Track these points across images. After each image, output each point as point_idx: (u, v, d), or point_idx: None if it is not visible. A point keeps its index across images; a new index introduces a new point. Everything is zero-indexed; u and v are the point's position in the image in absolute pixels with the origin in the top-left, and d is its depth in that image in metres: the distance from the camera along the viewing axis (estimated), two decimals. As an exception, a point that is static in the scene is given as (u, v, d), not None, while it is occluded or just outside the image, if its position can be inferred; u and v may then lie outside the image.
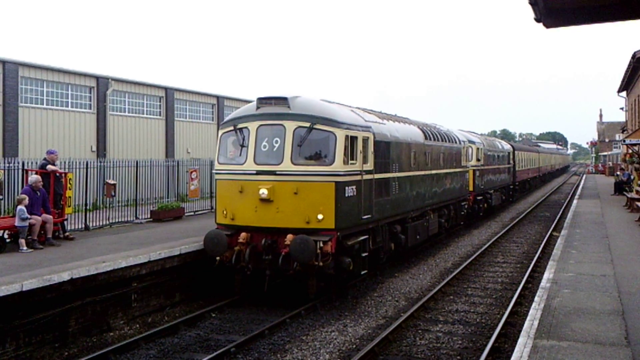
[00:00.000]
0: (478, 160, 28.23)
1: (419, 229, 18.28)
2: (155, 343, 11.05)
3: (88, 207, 18.21)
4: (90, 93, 30.61)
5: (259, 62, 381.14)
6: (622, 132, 56.93)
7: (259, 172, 12.82)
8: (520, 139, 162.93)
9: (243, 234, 12.87)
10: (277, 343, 10.93)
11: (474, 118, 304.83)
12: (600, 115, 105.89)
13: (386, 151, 15.25)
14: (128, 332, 11.99)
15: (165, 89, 35.77)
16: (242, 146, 13.25)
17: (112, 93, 31.44)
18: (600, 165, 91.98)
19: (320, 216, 12.47)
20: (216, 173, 13.96)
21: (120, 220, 19.38)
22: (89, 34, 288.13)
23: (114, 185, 19.22)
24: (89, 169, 18.37)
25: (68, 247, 14.32)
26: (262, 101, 13.37)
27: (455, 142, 23.50)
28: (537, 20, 8.78)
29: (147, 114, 34.53)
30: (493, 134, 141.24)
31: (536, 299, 10.86)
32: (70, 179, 16.20)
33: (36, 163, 16.52)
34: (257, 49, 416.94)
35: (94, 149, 30.25)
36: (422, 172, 18.46)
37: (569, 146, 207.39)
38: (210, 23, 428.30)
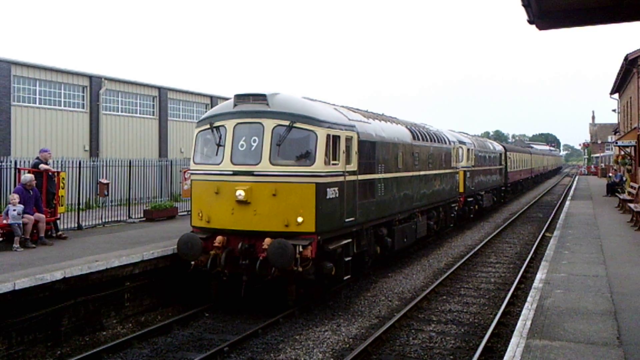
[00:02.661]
0: (469, 161, 27.93)
1: (406, 231, 17.81)
2: (148, 342, 11.03)
3: (81, 207, 18.18)
4: (83, 92, 30.54)
5: (253, 62, 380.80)
6: (615, 134, 57.20)
7: (235, 173, 12.24)
8: (513, 140, 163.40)
9: (219, 238, 12.28)
10: (271, 342, 10.93)
11: (467, 119, 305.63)
12: (593, 117, 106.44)
13: (371, 151, 14.71)
14: (121, 331, 11.96)
15: (159, 88, 35.72)
16: (219, 145, 12.65)
17: (105, 92, 31.37)
18: (592, 166, 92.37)
19: (300, 219, 11.88)
20: (192, 173, 13.36)
21: (113, 219, 19.34)
22: (82, 33, 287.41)
23: (107, 184, 19.18)
24: (81, 168, 18.35)
25: (61, 246, 14.28)
26: (240, 98, 12.79)
27: (445, 143, 23.04)
28: (530, 22, 8.82)
29: (140, 114, 34.46)
30: (486, 134, 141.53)
31: (529, 299, 10.90)
32: (63, 178, 16.16)
33: (29, 162, 16.47)
34: (251, 49, 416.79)
35: (87, 148, 30.18)
36: (410, 173, 17.99)
37: (561, 147, 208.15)
38: (204, 22, 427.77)
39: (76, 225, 17.51)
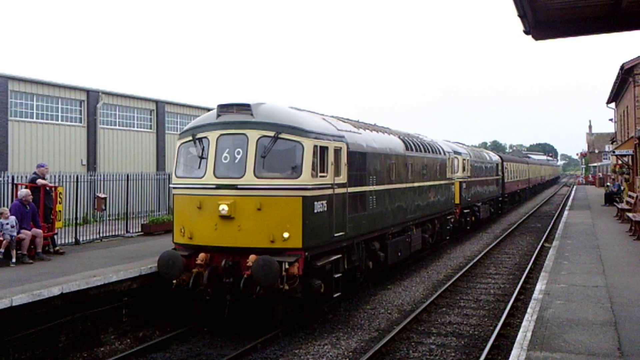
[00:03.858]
0: (464, 171, 27.50)
1: (400, 245, 17.24)
2: (147, 358, 10.96)
3: (78, 221, 18.12)
4: (80, 106, 30.54)
5: (249, 73, 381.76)
6: (612, 143, 57.28)
7: (218, 187, 11.71)
8: (511, 150, 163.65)
9: (202, 255, 11.73)
10: (270, 357, 10.86)
11: (465, 129, 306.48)
12: (590, 127, 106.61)
13: (362, 162, 14.23)
14: (119, 347, 11.89)
15: (156, 102, 35.72)
16: (201, 158, 12.16)
17: (102, 106, 31.37)
18: (590, 176, 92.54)
19: (286, 234, 11.34)
20: (173, 187, 12.84)
21: (111, 234, 19.29)
22: (79, 47, 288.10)
23: (105, 198, 19.16)
24: (79, 183, 18.30)
25: (58, 261, 14.22)
26: (223, 108, 12.32)
27: (440, 153, 22.58)
28: (527, 32, 8.87)
29: (137, 127, 34.45)
30: (484, 145, 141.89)
31: (529, 310, 10.86)
32: (60, 193, 16.13)
33: (26, 177, 16.42)
34: (248, 60, 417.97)
35: (84, 162, 30.14)
36: (403, 185, 17.49)
37: (559, 157, 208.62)
38: (200, 34, 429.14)
39: (74, 240, 17.46)
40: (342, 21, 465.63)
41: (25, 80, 27.70)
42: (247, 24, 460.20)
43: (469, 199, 28.38)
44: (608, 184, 48.31)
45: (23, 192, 14.30)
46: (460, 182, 26.52)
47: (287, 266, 11.11)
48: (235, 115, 12.15)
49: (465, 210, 27.84)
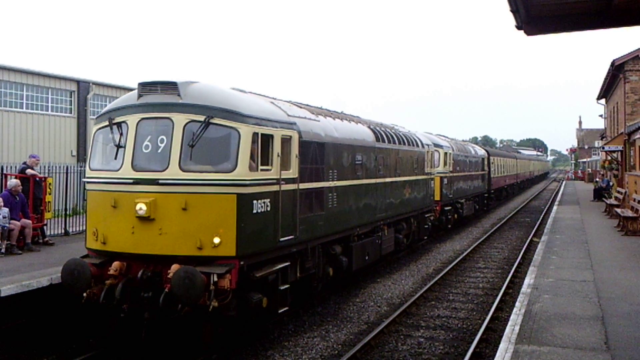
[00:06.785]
0: (446, 166, 25.85)
1: (368, 248, 15.41)
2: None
3: (68, 212, 18.04)
4: (70, 97, 30.36)
5: (243, 65, 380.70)
6: (601, 139, 57.65)
7: (136, 181, 9.71)
8: (501, 145, 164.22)
9: (116, 263, 9.70)
10: (259, 349, 10.87)
11: (455, 124, 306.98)
12: (580, 122, 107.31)
13: (319, 154, 12.39)
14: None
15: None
16: (119, 147, 10.06)
17: (93, 97, 31.19)
18: (579, 171, 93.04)
19: (216, 240, 9.46)
20: (86, 182, 10.86)
21: (100, 225, 19.18)
22: (69, 37, 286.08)
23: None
24: (69, 174, 18.20)
25: (48, 252, 14.17)
26: (146, 87, 10.20)
27: (417, 146, 20.63)
28: (519, 27, 8.89)
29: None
30: (474, 140, 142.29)
31: (517, 304, 10.94)
32: (50, 184, 16.05)
33: (15, 167, 16.32)
34: (242, 52, 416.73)
35: (74, 153, 29.98)
36: (372, 180, 15.60)
37: (548, 152, 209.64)
38: (195, 25, 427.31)
39: (63, 231, 17.39)
40: (334, 17, 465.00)
41: (15, 70, 27.48)
42: (247, 23, 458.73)
43: (451, 196, 26.83)
44: (597, 179, 48.59)
45: (12, 182, 14.22)
46: (441, 178, 25.00)
47: (215, 278, 9.21)
48: (160, 96, 10.08)
49: (447, 208, 26.29)
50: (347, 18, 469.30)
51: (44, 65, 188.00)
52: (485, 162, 37.14)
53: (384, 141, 16.77)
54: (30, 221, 14.35)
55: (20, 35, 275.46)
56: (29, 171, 15.06)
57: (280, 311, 10.82)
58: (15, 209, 13.95)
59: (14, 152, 26.31)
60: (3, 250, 13.40)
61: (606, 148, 37.16)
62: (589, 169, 78.82)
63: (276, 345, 11.11)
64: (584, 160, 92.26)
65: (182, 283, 8.93)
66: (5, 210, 13.46)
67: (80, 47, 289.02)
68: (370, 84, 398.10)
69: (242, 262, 9.69)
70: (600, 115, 52.86)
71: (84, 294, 9.67)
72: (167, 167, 9.63)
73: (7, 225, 13.44)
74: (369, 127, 16.40)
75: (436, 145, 25.11)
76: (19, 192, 14.17)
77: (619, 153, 34.43)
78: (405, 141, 19.19)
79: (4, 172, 16.23)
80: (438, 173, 24.42)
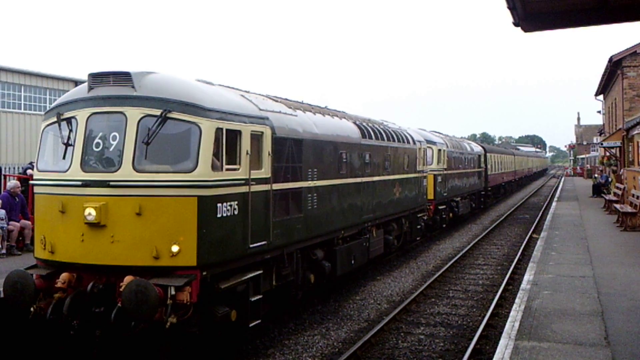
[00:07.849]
0: (440, 163, 25.00)
1: (354, 251, 14.49)
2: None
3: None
4: (69, 97, 30.38)
5: (245, 63, 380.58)
6: (600, 135, 57.64)
7: (86, 184, 8.72)
8: (500, 142, 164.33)
9: (64, 275, 8.73)
10: (259, 347, 10.89)
11: (454, 122, 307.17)
12: (578, 119, 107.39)
13: (296, 152, 11.39)
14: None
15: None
16: (67, 145, 9.11)
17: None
18: (578, 167, 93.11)
19: (175, 248, 8.52)
20: (33, 185, 10.05)
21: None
22: (68, 37, 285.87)
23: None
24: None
25: (47, 253, 14.14)
26: (97, 79, 9.21)
27: (408, 142, 19.65)
28: (516, 24, 8.90)
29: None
30: (473, 137, 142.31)
31: (517, 300, 10.96)
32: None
33: (14, 168, 16.33)
34: (242, 51, 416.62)
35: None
36: (358, 180, 14.67)
37: (547, 149, 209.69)
38: (194, 25, 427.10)
39: (63, 231, 17.36)
40: (332, 13, 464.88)
41: (13, 71, 27.52)
42: (246, 22, 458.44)
43: (446, 194, 25.92)
44: (596, 175, 48.66)
45: (12, 183, 14.23)
46: (435, 175, 24.09)
47: (173, 292, 8.29)
48: (112, 88, 9.11)
49: (441, 207, 25.24)
50: (345, 15, 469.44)
51: (42, 66, 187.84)
52: (482, 159, 36.54)
53: (370, 137, 15.91)
54: (29, 222, 14.35)
55: (18, 35, 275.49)
56: (29, 171, 15.07)
57: (251, 325, 9.80)
58: (15, 209, 13.97)
59: (13, 153, 26.34)
60: (3, 251, 13.40)
61: (605, 144, 37.16)
62: (588, 165, 78.86)
63: (277, 343, 11.12)
64: (583, 156, 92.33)
65: (134, 297, 8.00)
66: (2, 212, 13.46)
67: (79, 47, 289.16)
68: (369, 81, 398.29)
69: (204, 273, 8.75)
70: (599, 112, 52.95)
71: (31, 309, 8.81)
72: (119, 168, 8.72)
73: (5, 226, 13.45)
74: (354, 122, 15.54)
75: (429, 141, 24.27)
76: (18, 193, 14.18)
77: (618, 149, 34.47)
78: (395, 138, 18.29)
79: (3, 173, 16.25)
80: (431, 171, 23.63)
